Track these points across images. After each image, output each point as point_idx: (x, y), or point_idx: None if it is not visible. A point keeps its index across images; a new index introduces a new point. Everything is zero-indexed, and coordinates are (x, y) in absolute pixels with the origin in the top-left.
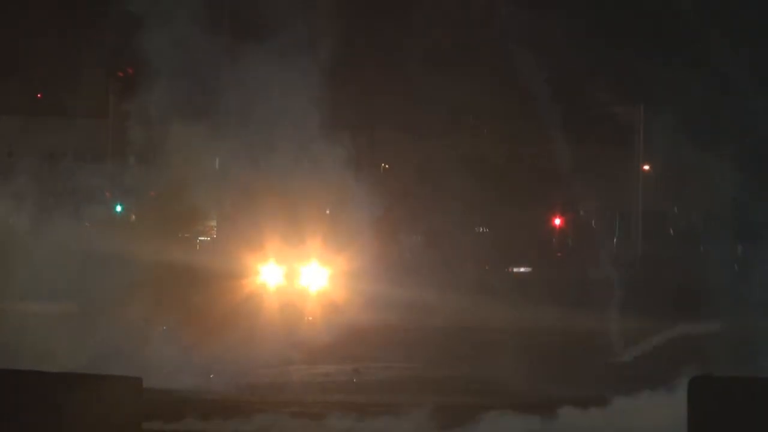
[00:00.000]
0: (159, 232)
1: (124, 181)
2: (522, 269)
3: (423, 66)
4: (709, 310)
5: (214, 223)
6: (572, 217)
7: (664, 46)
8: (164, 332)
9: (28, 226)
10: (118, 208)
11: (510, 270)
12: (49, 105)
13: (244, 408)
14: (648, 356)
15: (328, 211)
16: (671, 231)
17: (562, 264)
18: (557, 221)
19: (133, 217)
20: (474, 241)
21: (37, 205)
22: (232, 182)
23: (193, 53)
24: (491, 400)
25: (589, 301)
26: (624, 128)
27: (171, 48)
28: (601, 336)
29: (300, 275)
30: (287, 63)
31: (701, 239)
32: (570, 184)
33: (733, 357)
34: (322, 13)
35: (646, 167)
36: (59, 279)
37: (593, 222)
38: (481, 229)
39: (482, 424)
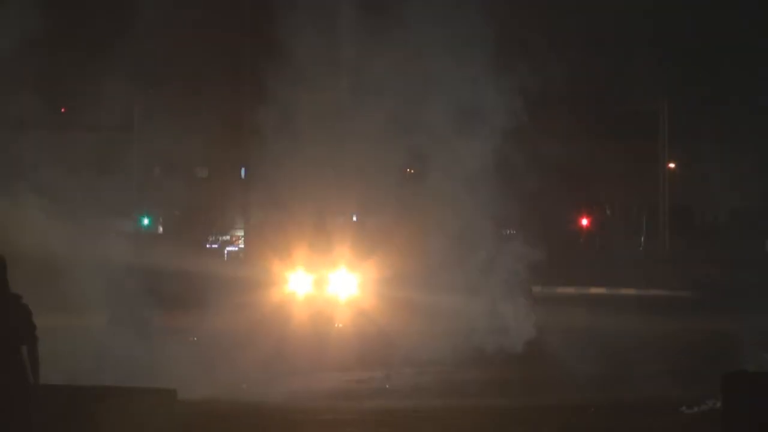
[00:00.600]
0: (186, 243)
1: (152, 195)
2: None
3: (446, 64)
4: (739, 306)
5: (241, 233)
6: (599, 216)
7: (687, 42)
8: (195, 343)
9: (55, 240)
10: (146, 221)
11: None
12: (73, 119)
13: (277, 417)
14: (681, 353)
15: (354, 218)
16: (698, 228)
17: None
18: (584, 221)
19: (161, 229)
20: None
21: (62, 218)
22: (258, 192)
23: (220, 65)
24: (527, 401)
25: (618, 300)
26: (650, 125)
27: (198, 61)
28: (627, 335)
29: (329, 283)
30: (314, 74)
31: (728, 236)
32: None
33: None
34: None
35: (672, 165)
36: (87, 292)
37: (621, 220)
38: (509, 232)
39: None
